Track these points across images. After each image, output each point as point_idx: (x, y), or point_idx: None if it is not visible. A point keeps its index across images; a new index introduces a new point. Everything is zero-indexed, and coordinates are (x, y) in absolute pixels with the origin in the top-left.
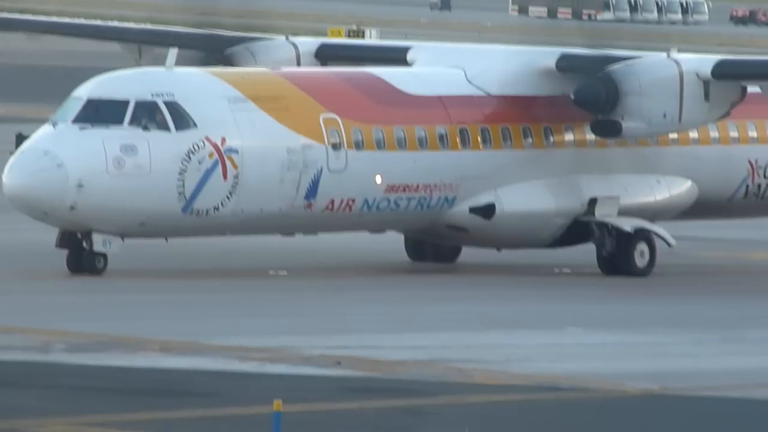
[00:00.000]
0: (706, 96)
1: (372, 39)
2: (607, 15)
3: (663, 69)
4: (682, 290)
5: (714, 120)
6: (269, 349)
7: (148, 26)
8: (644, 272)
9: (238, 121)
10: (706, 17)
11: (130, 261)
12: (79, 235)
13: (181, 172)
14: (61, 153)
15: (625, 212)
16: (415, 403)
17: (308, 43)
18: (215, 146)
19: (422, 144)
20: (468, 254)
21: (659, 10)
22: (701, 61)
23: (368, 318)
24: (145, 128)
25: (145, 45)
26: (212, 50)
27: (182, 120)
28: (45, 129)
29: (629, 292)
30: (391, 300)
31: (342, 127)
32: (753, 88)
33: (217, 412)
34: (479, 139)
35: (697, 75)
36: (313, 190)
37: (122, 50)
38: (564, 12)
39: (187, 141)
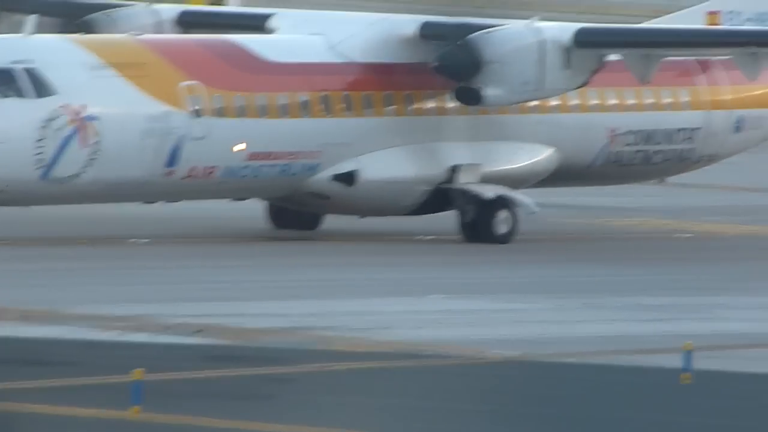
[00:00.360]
0: (567, 64)
1: (234, 6)
2: None
3: (524, 37)
4: (544, 257)
5: (575, 87)
6: (130, 318)
7: None
8: (506, 239)
9: (98, 88)
10: None
11: None
12: None
13: (40, 140)
14: None
15: (487, 179)
16: (277, 371)
17: (169, 10)
18: (75, 113)
19: (285, 111)
20: (331, 221)
21: None
22: (562, 29)
23: (230, 286)
24: (4, 95)
25: (3, 12)
26: (72, 17)
27: (42, 87)
28: None
29: (491, 258)
30: (253, 267)
31: (203, 95)
32: (614, 56)
33: (78, 381)
34: (342, 106)
35: (558, 43)
36: (174, 158)
37: None
38: None
39: (47, 108)
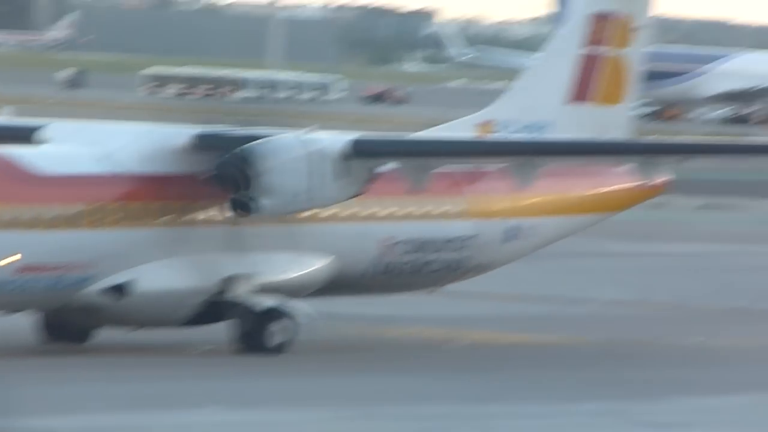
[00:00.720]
0: (342, 174)
1: (3, 117)
2: (243, 94)
3: (298, 147)
4: (320, 367)
5: (349, 197)
6: None
7: None
8: (282, 349)
9: None
10: (340, 95)
11: None
12: None
13: None
14: None
15: (262, 290)
16: None
17: None
18: None
19: (56, 223)
20: (104, 334)
21: (294, 88)
22: (336, 139)
23: None
24: None
25: None
26: None
27: None
28: None
29: (267, 369)
30: (24, 381)
31: None
32: (388, 165)
33: None
34: (115, 217)
35: (332, 153)
36: None
37: None
38: (199, 90)
39: None
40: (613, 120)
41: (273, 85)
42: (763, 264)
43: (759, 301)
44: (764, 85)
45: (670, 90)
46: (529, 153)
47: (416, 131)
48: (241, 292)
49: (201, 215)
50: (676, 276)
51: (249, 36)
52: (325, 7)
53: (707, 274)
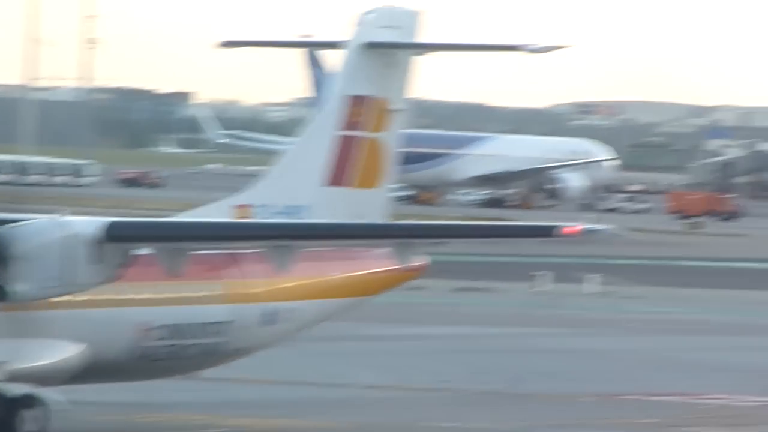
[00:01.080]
0: (96, 258)
1: None
2: None
3: (50, 232)
4: None
5: (104, 282)
6: None
7: None
8: None
9: None
10: (94, 179)
11: None
12: None
13: None
14: None
15: (12, 378)
16: None
17: None
18: None
19: None
20: None
21: (46, 172)
22: (90, 223)
23: None
24: None
25: None
26: None
27: None
28: None
29: None
30: None
31: None
32: (144, 250)
33: None
34: None
35: (86, 237)
36: None
37: None
38: None
39: None
40: (369, 203)
41: (24, 169)
42: (520, 346)
43: (516, 384)
44: (519, 168)
45: (427, 173)
46: (284, 237)
47: (172, 215)
48: None
49: None
50: (434, 359)
51: (0, 117)
52: (79, 88)
53: (465, 356)
